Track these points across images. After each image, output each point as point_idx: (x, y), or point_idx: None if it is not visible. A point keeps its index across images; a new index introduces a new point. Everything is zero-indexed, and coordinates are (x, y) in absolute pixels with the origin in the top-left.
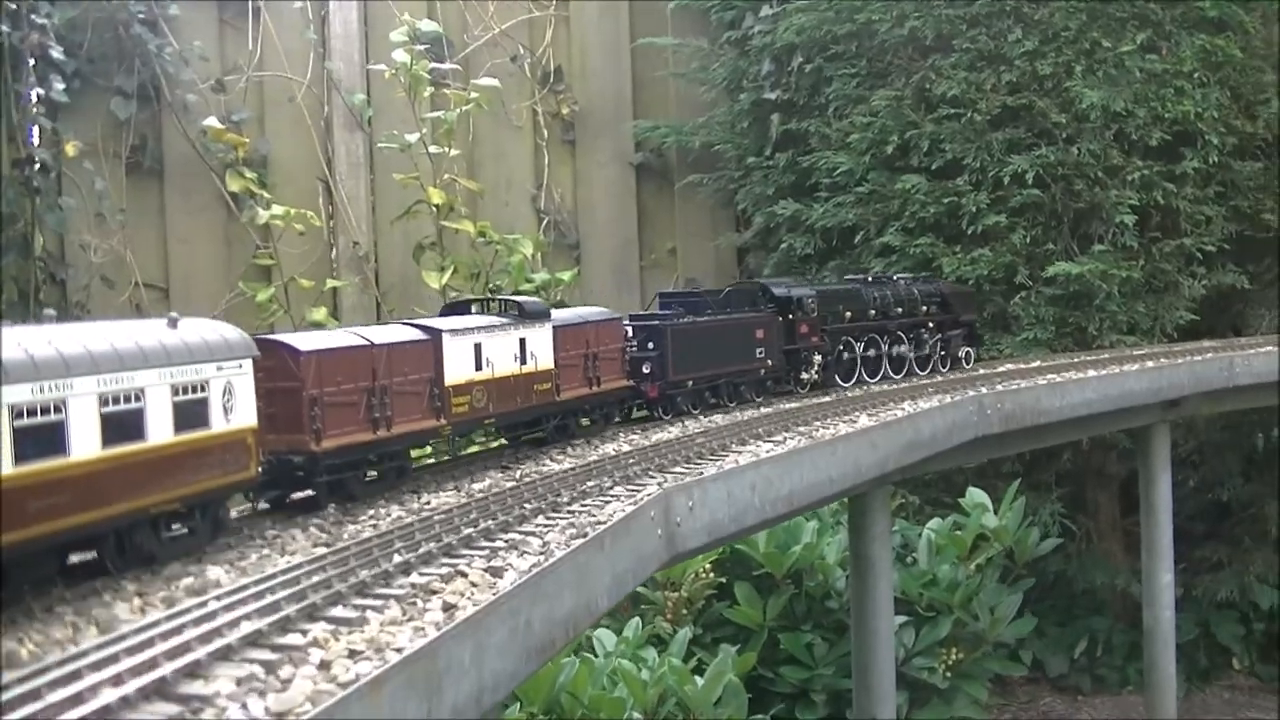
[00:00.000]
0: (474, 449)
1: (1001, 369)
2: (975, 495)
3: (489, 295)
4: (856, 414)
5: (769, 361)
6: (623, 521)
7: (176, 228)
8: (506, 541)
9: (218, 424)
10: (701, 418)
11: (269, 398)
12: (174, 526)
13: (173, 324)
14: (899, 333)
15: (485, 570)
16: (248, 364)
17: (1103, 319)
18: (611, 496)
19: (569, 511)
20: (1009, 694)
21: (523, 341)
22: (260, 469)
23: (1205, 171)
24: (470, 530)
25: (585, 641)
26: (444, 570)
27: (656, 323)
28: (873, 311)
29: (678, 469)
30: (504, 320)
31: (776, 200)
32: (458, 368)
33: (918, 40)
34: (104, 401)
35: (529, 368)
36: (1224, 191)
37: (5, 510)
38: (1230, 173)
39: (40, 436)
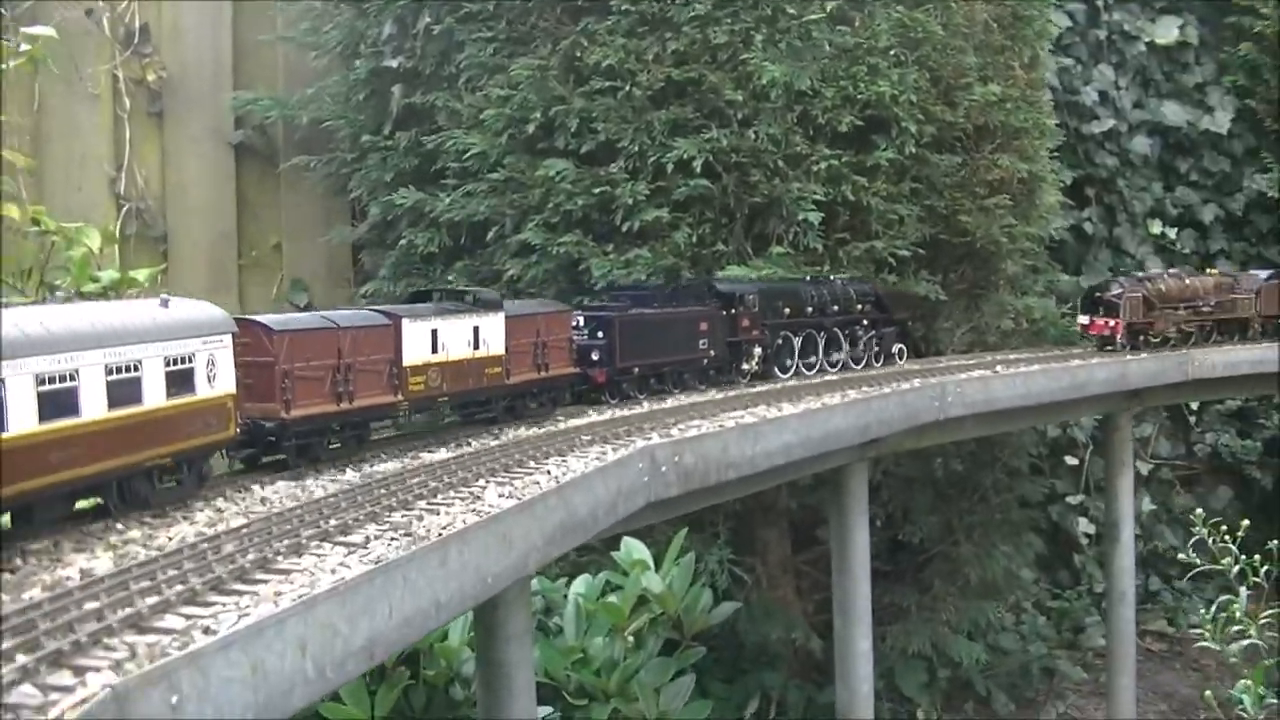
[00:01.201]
0: None
1: (668, 404)
2: (633, 548)
3: (448, 286)
4: (483, 483)
5: (712, 352)
6: None
7: None
8: None
9: (203, 390)
10: (235, 508)
11: (247, 370)
12: (166, 479)
13: (164, 304)
14: (835, 329)
15: None
16: (228, 339)
17: None
18: None
19: None
20: None
21: (476, 329)
22: (238, 431)
23: (900, 164)
24: None
25: None
26: None
27: (605, 314)
28: (810, 309)
29: (165, 622)
30: (459, 308)
31: (396, 188)
32: (415, 350)
33: None
34: (109, 370)
35: (481, 352)
36: (919, 188)
37: (31, 461)
38: (927, 167)
39: (58, 400)
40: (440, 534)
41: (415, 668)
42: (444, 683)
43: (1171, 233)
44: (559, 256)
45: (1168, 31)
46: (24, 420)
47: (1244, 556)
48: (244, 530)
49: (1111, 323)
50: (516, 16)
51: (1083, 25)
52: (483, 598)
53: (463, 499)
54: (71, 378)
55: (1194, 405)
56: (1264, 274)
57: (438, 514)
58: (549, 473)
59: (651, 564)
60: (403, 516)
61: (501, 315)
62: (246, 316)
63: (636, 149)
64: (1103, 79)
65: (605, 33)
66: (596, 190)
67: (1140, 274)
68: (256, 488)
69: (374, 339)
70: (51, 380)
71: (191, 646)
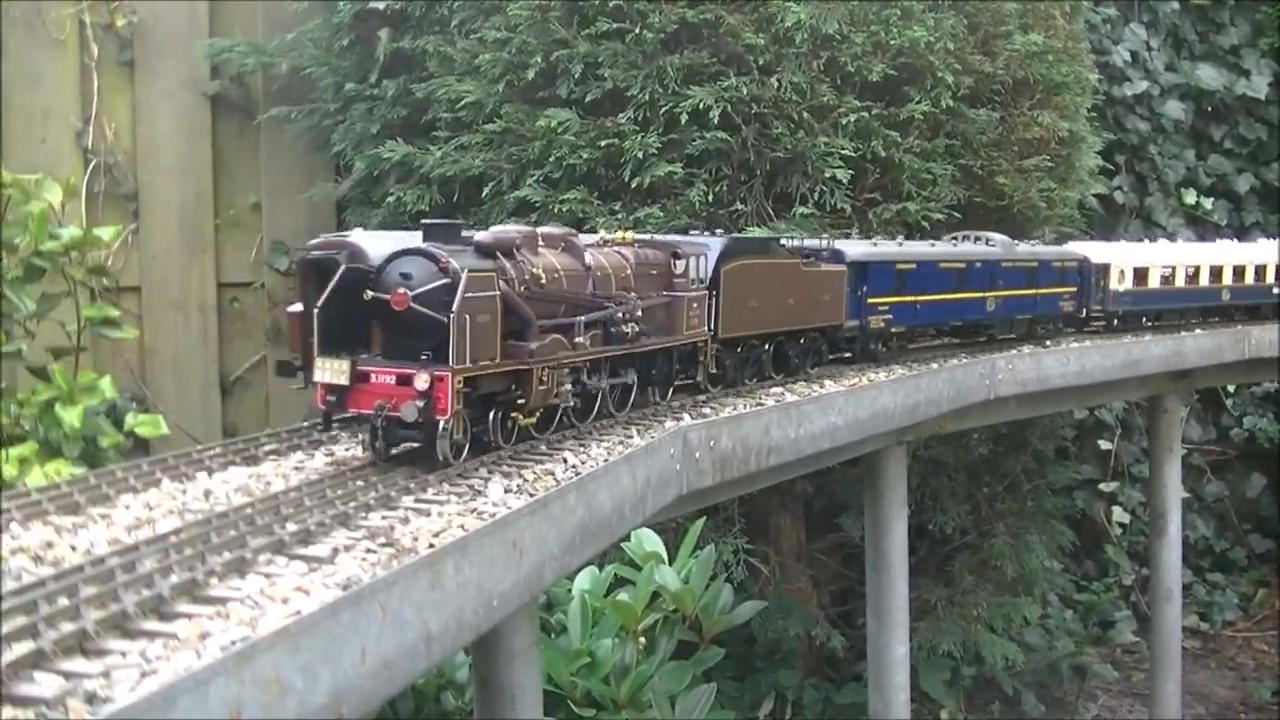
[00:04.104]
0: None
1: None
2: (646, 539)
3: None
4: (484, 474)
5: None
6: None
7: None
8: None
9: None
10: (171, 503)
11: None
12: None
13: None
14: None
15: None
16: None
17: None
18: None
19: None
20: None
21: None
22: None
23: (934, 118)
24: None
25: None
26: None
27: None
28: None
29: None
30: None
31: (383, 141)
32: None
33: None
34: None
35: None
36: (954, 145)
37: None
38: (963, 122)
39: None
40: (432, 544)
41: None
42: (434, 690)
43: (1207, 203)
44: (561, 215)
45: None
46: None
47: None
48: (172, 539)
49: (424, 377)
50: None
51: None
52: (486, 626)
53: (460, 495)
54: None
55: (1230, 387)
56: (715, 245)
57: (428, 515)
58: (565, 460)
59: (665, 556)
60: (383, 519)
61: None
62: None
63: (647, 98)
64: (1134, 39)
65: None
66: (602, 143)
67: (479, 233)
68: (203, 476)
69: None
70: None
71: None
